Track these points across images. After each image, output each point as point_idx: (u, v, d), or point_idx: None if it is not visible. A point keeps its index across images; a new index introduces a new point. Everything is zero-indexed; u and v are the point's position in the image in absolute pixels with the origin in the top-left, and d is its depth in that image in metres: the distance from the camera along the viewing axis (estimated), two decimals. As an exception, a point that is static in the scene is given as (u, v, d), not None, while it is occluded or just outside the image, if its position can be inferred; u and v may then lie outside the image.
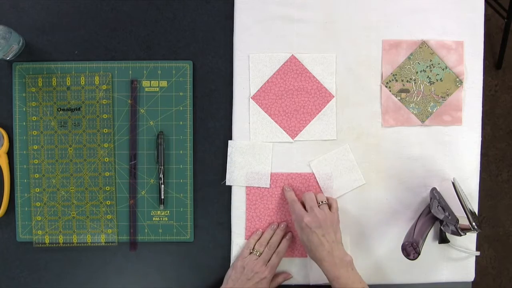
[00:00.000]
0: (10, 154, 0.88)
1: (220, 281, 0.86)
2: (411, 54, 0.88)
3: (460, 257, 0.88)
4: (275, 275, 0.86)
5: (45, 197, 0.87)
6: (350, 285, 0.75)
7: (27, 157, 0.87)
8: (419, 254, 0.79)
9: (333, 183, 0.87)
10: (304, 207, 0.83)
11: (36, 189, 0.87)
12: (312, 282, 0.88)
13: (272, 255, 0.84)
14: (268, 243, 0.85)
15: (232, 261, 0.87)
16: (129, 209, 0.88)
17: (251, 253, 0.84)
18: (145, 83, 0.88)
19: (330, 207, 0.83)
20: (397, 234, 0.86)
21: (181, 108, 0.88)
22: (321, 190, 0.87)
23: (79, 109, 0.87)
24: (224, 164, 0.88)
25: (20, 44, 0.86)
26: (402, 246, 0.81)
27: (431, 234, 0.86)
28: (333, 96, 0.88)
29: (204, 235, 0.86)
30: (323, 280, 0.87)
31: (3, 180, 0.87)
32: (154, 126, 0.88)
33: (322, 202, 0.82)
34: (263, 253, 0.83)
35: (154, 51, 0.88)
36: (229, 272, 0.84)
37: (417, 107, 0.88)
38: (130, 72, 0.88)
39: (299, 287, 0.88)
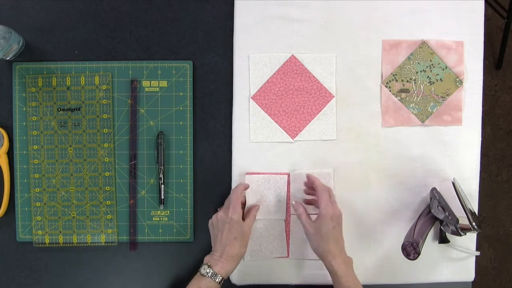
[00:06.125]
0: (10, 154, 0.88)
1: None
2: (411, 54, 0.88)
3: (460, 257, 0.88)
4: (247, 212, 0.83)
5: (45, 197, 0.87)
6: (357, 284, 0.76)
7: (27, 157, 0.87)
8: (419, 254, 0.79)
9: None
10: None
11: (36, 189, 0.87)
12: (311, 282, 0.87)
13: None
14: None
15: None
16: (129, 209, 0.88)
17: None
18: (145, 83, 0.88)
19: None
20: (397, 234, 0.86)
21: (181, 108, 0.88)
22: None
23: (79, 109, 0.87)
24: (224, 164, 0.88)
25: (20, 44, 0.86)
26: (402, 246, 0.81)
27: (431, 234, 0.86)
28: (333, 96, 0.88)
29: (204, 235, 0.86)
30: (320, 280, 0.87)
31: (3, 180, 0.87)
32: (154, 126, 0.88)
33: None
34: (224, 205, 0.82)
35: (154, 51, 0.88)
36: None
37: (417, 107, 0.88)
38: (130, 72, 0.88)
39: (299, 287, 0.88)
